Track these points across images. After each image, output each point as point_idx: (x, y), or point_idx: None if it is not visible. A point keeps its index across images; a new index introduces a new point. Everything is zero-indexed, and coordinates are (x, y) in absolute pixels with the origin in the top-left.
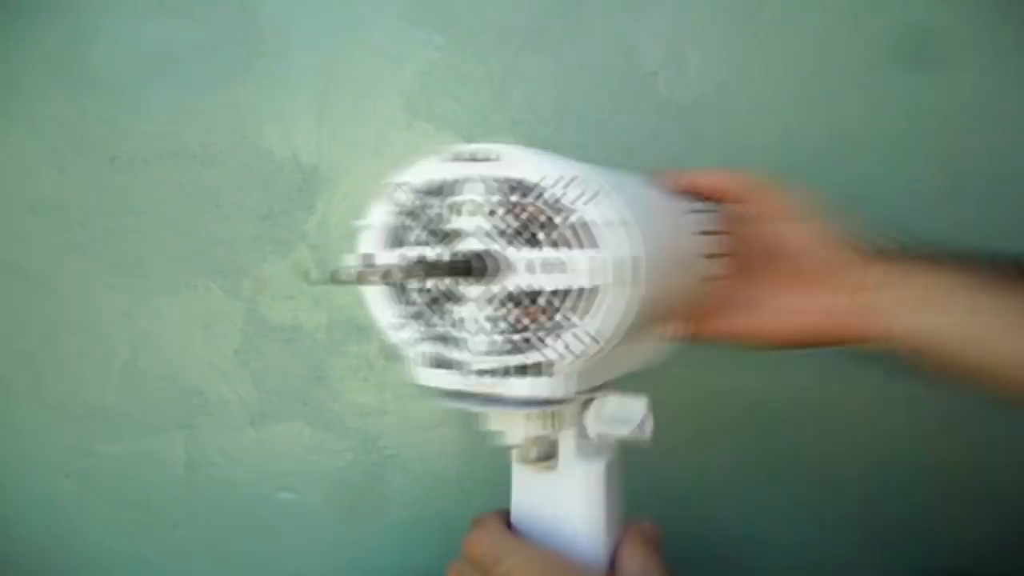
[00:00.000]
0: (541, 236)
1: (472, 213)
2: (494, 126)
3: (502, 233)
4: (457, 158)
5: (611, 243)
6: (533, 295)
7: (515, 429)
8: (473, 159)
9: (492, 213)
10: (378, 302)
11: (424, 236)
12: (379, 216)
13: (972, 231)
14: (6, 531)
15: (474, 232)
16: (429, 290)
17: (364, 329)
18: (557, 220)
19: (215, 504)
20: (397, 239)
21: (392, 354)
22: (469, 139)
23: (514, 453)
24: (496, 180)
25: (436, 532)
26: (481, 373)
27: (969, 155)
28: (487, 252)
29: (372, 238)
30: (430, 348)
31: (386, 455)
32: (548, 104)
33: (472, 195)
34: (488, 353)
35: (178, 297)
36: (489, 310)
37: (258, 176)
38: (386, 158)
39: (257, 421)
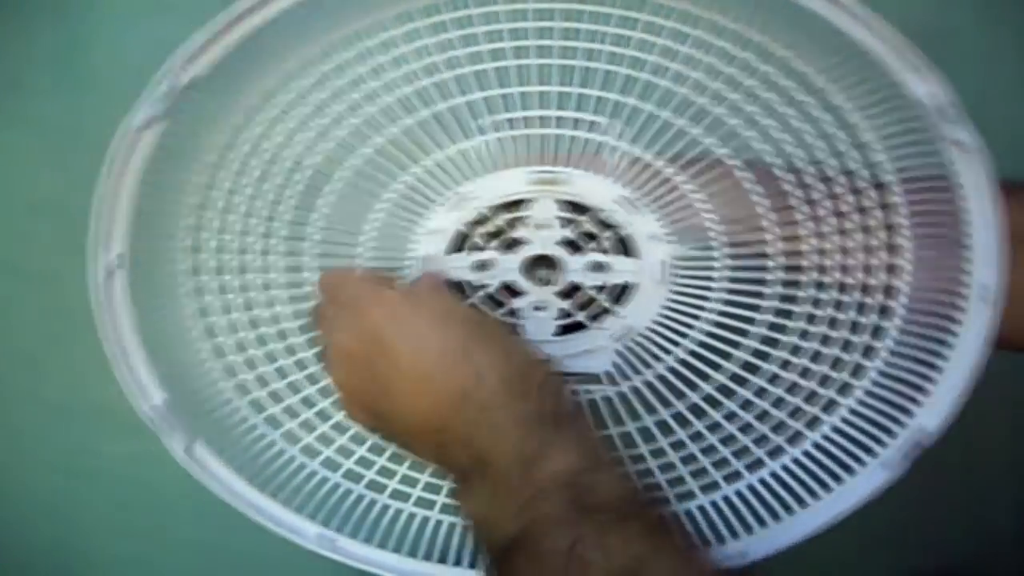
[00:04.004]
0: (585, 244)
1: (538, 226)
2: None
3: (557, 242)
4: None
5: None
6: (578, 288)
7: None
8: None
9: (542, 227)
10: None
11: (482, 242)
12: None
13: None
14: (7, 531)
15: (536, 241)
16: (485, 285)
17: None
18: (605, 234)
19: (216, 504)
20: (457, 244)
21: None
22: None
23: None
24: (560, 201)
25: None
26: None
27: None
28: (552, 257)
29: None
30: None
31: None
32: None
33: (540, 211)
34: (541, 335)
35: None
36: (543, 302)
37: None
38: None
39: None
